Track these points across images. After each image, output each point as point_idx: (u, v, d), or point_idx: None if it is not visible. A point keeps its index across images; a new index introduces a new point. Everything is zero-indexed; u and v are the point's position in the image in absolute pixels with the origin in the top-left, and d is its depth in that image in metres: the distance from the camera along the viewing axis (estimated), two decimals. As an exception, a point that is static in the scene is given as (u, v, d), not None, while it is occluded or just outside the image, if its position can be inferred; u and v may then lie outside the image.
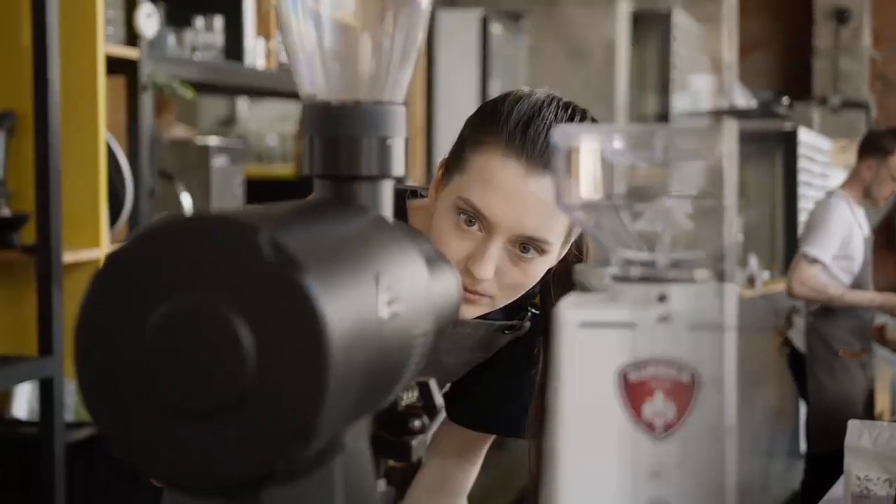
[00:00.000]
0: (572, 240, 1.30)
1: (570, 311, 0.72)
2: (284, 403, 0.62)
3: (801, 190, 7.14)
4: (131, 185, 2.69)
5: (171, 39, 3.02)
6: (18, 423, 2.66)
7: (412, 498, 1.46)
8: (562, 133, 0.74)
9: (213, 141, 3.22)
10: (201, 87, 3.26)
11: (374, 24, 0.86)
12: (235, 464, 0.62)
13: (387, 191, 0.86)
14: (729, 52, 5.59)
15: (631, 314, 0.71)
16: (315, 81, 0.86)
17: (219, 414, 0.62)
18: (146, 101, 2.75)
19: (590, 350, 0.72)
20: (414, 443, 0.81)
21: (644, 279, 0.73)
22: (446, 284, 0.91)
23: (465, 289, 1.22)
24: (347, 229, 0.77)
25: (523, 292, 1.27)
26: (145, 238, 0.66)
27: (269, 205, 0.77)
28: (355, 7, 0.85)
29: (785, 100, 6.38)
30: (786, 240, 7.17)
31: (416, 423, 0.83)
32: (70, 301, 2.45)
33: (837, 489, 2.02)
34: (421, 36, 0.87)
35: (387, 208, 0.86)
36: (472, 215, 1.21)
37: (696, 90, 7.72)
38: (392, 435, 0.82)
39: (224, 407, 0.62)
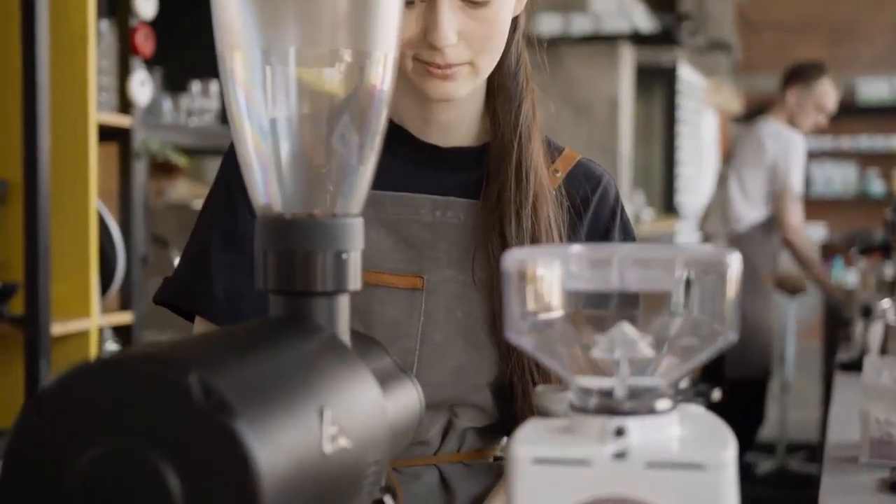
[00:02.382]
0: None
1: (524, 447, 0.69)
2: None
3: (678, 128, 7.26)
4: (123, 254, 2.67)
5: (168, 104, 3.02)
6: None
7: None
8: (513, 257, 0.71)
9: (209, 205, 3.19)
10: (198, 151, 3.25)
11: (329, 137, 0.84)
12: None
13: (343, 305, 0.83)
14: None
15: (587, 450, 0.68)
16: (269, 193, 0.84)
17: (140, 572, 0.59)
18: (139, 169, 2.74)
19: (544, 487, 0.69)
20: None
21: (601, 410, 0.70)
22: (405, 402, 0.88)
23: (438, 66, 1.16)
24: (292, 358, 0.74)
25: (500, 46, 1.20)
26: (73, 378, 0.63)
27: (211, 334, 0.74)
28: (309, 119, 0.83)
29: (686, 26, 6.37)
30: (664, 177, 7.26)
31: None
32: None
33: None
34: (378, 143, 0.85)
35: (343, 322, 0.83)
36: None
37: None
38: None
39: (147, 564, 0.59)
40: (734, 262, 0.69)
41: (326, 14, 0.81)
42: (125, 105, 2.72)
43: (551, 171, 1.27)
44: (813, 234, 10.35)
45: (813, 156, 10.34)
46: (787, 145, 4.34)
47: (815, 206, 10.40)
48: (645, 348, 0.71)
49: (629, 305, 0.72)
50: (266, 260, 0.82)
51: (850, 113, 10.22)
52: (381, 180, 1.22)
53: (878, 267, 4.48)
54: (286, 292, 0.82)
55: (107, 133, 2.68)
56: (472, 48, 1.17)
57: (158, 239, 3.00)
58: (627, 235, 1.27)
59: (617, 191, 1.31)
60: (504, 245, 1.20)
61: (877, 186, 10.27)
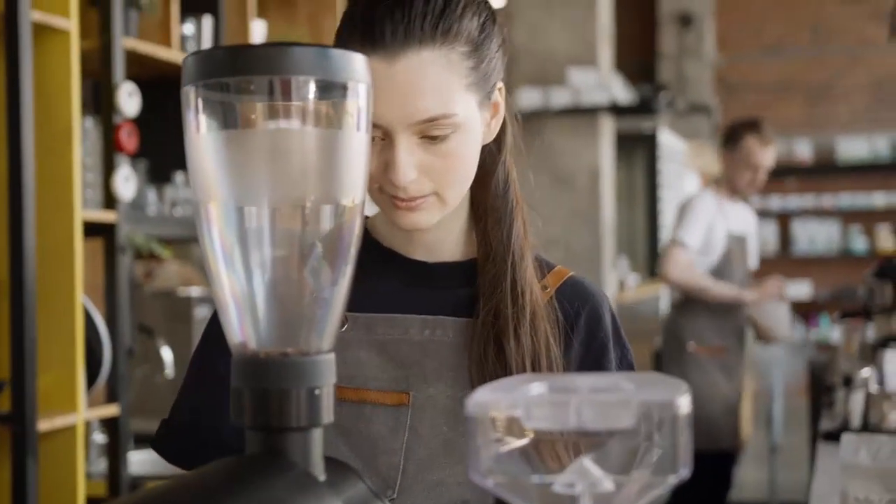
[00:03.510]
0: (498, 95, 1.23)
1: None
2: None
3: (660, 192, 7.33)
4: (109, 347, 2.69)
5: (153, 195, 3.07)
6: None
7: None
8: (475, 402, 0.75)
9: (195, 291, 3.23)
10: (184, 241, 3.29)
11: (301, 278, 0.87)
12: None
13: (317, 438, 0.86)
14: (603, 43, 5.62)
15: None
16: (245, 332, 0.87)
17: None
18: (124, 263, 2.78)
19: None
20: None
21: (564, 548, 0.73)
22: (379, 530, 0.91)
23: (401, 200, 1.16)
24: (265, 499, 0.77)
25: (467, 176, 1.19)
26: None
27: (183, 480, 0.78)
28: (282, 263, 0.87)
29: (663, 96, 6.43)
30: (648, 242, 7.32)
31: None
32: (45, 470, 2.44)
33: None
34: (348, 281, 0.89)
35: (316, 455, 0.86)
36: (375, 132, 1.15)
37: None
38: None
39: None
40: (683, 404, 0.73)
41: (296, 167, 0.85)
42: (110, 201, 2.76)
43: (541, 286, 1.27)
44: (798, 291, 10.43)
45: (795, 214, 10.45)
46: (689, 201, 4.37)
47: (799, 264, 10.49)
48: (606, 482, 0.75)
49: (589, 442, 0.76)
50: (242, 397, 0.86)
51: (831, 171, 10.35)
52: (374, 303, 1.25)
53: (861, 328, 4.51)
54: (262, 428, 0.85)
55: (92, 228, 2.72)
56: (434, 181, 1.17)
57: (144, 328, 3.02)
58: (624, 356, 1.28)
59: (611, 307, 1.30)
60: (504, 361, 1.20)
61: (860, 243, 10.36)
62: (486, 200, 1.26)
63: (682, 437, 0.73)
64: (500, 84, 1.24)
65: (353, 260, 0.88)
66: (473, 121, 1.18)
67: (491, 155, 1.26)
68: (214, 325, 1.29)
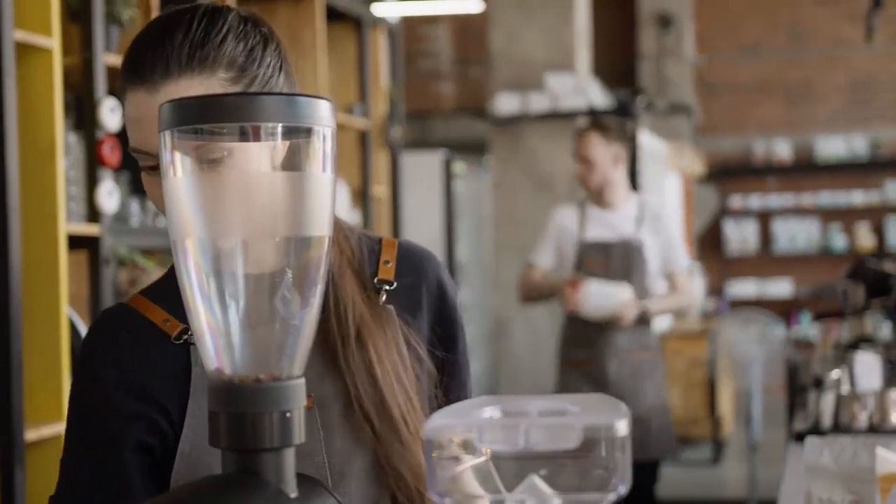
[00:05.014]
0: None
1: None
2: None
3: (640, 194, 7.39)
4: (94, 357, 2.75)
5: (135, 207, 3.12)
6: None
7: None
8: (432, 426, 0.81)
9: (177, 300, 3.28)
10: (166, 251, 3.35)
11: (272, 308, 0.94)
12: None
13: (289, 457, 0.93)
14: (581, 49, 5.64)
15: None
16: (220, 359, 0.94)
17: None
18: (108, 274, 2.83)
19: None
20: None
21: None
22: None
23: None
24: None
25: None
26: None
27: (155, 502, 0.84)
28: (254, 294, 0.93)
29: (641, 100, 6.47)
30: None
31: None
32: (33, 480, 2.50)
33: None
34: (317, 309, 0.95)
35: (289, 473, 0.93)
36: (148, 160, 1.20)
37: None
38: None
39: None
40: (623, 426, 0.79)
41: (267, 206, 0.91)
42: (93, 214, 2.82)
43: (382, 263, 1.33)
44: (778, 289, 10.53)
45: (775, 213, 10.55)
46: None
47: (780, 263, 10.60)
48: (554, 500, 0.81)
49: (538, 461, 0.83)
50: (218, 420, 0.92)
51: (810, 170, 10.46)
52: None
53: (837, 327, 4.58)
54: (236, 449, 0.92)
55: (76, 241, 2.77)
56: None
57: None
58: (455, 312, 1.36)
59: (440, 263, 1.39)
60: (342, 375, 1.26)
61: (839, 241, 10.47)
62: None
63: (622, 456, 0.80)
64: None
65: (322, 289, 0.95)
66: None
67: None
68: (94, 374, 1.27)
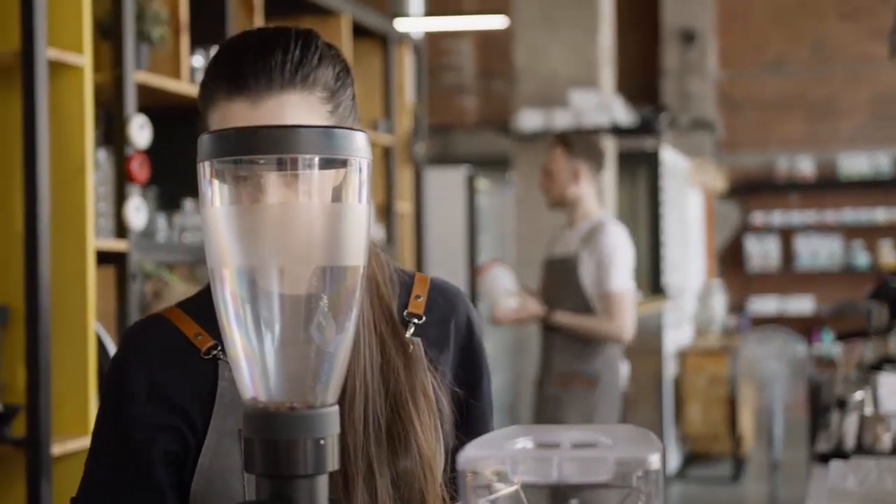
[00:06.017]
0: None
1: None
2: None
3: (662, 209, 7.38)
4: (120, 371, 2.77)
5: (162, 223, 3.15)
6: None
7: None
8: (465, 457, 0.82)
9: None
10: (192, 265, 3.38)
11: (307, 337, 0.95)
12: None
13: (322, 485, 0.94)
14: (605, 65, 5.62)
15: None
16: (255, 387, 0.95)
17: None
18: (135, 290, 2.86)
19: None
20: None
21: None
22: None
23: None
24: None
25: None
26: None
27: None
28: (290, 323, 0.94)
29: (664, 117, 6.46)
30: (651, 260, 7.37)
31: None
32: (59, 493, 2.52)
33: None
34: (348, 348, 0.97)
35: (322, 501, 0.94)
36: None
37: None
38: None
39: None
40: (656, 459, 0.80)
41: (303, 236, 0.93)
42: (121, 230, 2.84)
43: (413, 297, 1.35)
44: (800, 306, 10.48)
45: (798, 229, 10.52)
46: None
47: (801, 279, 10.56)
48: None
49: (569, 491, 0.83)
50: (252, 447, 0.93)
51: (833, 187, 10.42)
52: None
53: (860, 347, 4.55)
54: (271, 476, 0.93)
55: (103, 257, 2.80)
56: None
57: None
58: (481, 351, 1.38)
59: (469, 302, 1.40)
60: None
61: (862, 258, 10.42)
62: None
63: (655, 489, 0.81)
64: None
65: (356, 317, 0.96)
66: None
67: None
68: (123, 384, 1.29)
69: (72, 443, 2.60)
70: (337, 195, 0.94)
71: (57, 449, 2.56)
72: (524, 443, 0.85)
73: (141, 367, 1.28)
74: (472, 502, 0.83)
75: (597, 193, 4.16)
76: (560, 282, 4.06)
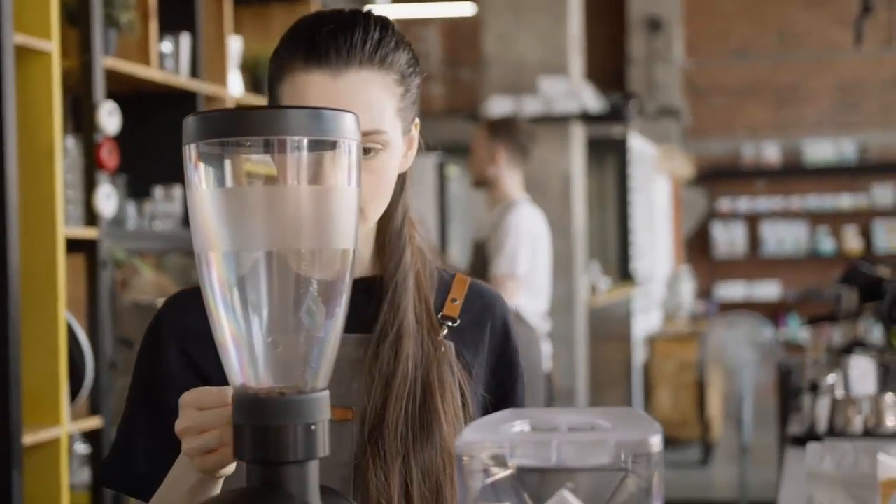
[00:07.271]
0: (415, 130, 1.30)
1: None
2: None
3: (630, 196, 7.44)
4: (91, 360, 2.74)
5: (132, 210, 3.11)
6: None
7: None
8: (463, 441, 0.81)
9: (173, 302, 3.27)
10: (163, 253, 3.34)
11: (296, 322, 0.93)
12: None
13: (313, 471, 0.92)
14: (574, 52, 5.65)
15: None
16: (244, 374, 0.93)
17: None
18: (105, 277, 2.82)
19: None
20: None
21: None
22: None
23: None
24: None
25: (387, 195, 1.26)
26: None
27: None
28: (278, 308, 0.93)
29: (633, 104, 6.49)
30: (619, 246, 7.44)
31: None
32: (30, 483, 2.48)
33: None
34: (341, 322, 0.95)
35: (313, 485, 0.92)
36: None
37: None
38: None
39: None
40: (656, 441, 0.79)
41: (291, 219, 0.91)
42: (91, 217, 2.81)
43: (449, 300, 1.34)
44: (766, 292, 10.57)
45: (764, 216, 10.58)
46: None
47: (768, 265, 10.63)
48: (581, 510, 0.81)
49: (568, 475, 0.83)
50: (242, 433, 0.92)
51: (798, 173, 10.49)
52: None
53: (828, 331, 4.58)
54: (261, 462, 0.92)
55: (74, 245, 2.76)
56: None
57: (124, 341, 3.07)
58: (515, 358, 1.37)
59: (507, 307, 1.40)
60: (388, 381, 1.25)
61: (827, 244, 10.50)
62: (386, 229, 1.32)
63: (655, 472, 0.80)
64: (417, 120, 1.32)
65: (346, 302, 0.95)
66: (398, 145, 1.26)
67: (398, 186, 1.31)
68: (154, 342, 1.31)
69: (44, 433, 2.57)
70: (325, 177, 0.92)
71: (28, 439, 2.52)
72: (521, 426, 0.84)
73: (175, 333, 1.30)
74: (470, 486, 0.81)
75: (519, 178, 4.17)
76: (477, 264, 4.10)
